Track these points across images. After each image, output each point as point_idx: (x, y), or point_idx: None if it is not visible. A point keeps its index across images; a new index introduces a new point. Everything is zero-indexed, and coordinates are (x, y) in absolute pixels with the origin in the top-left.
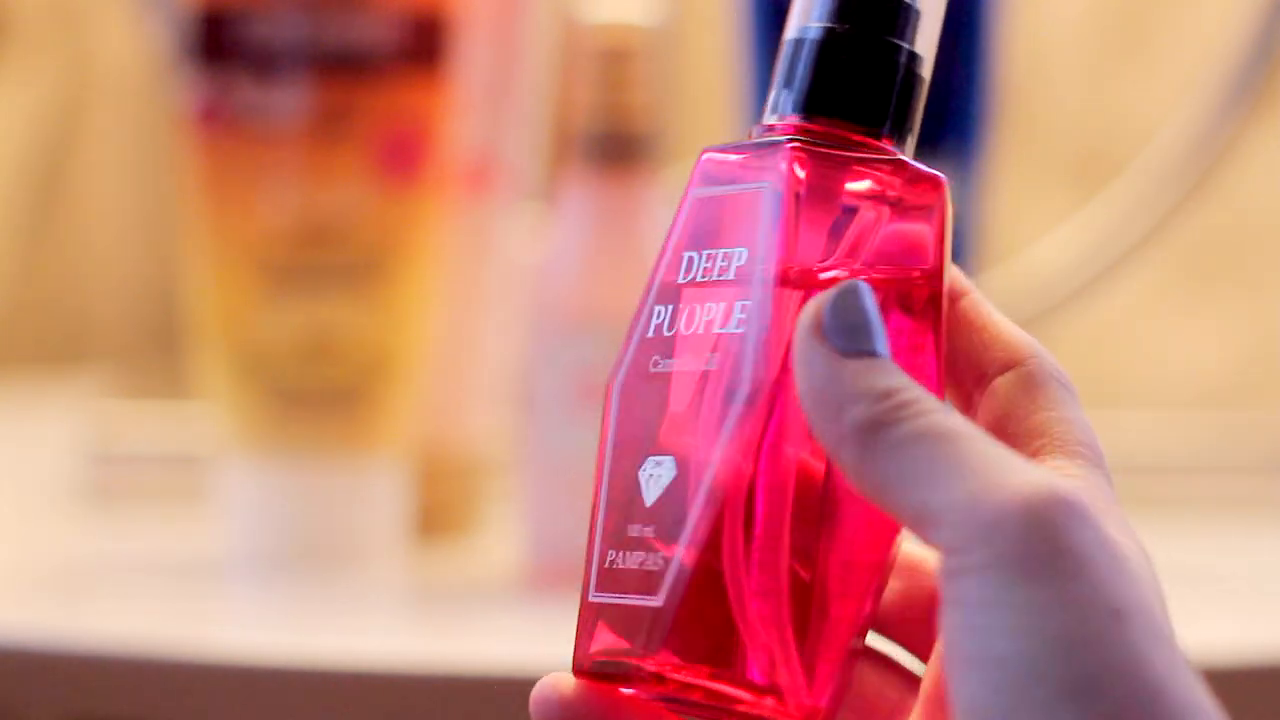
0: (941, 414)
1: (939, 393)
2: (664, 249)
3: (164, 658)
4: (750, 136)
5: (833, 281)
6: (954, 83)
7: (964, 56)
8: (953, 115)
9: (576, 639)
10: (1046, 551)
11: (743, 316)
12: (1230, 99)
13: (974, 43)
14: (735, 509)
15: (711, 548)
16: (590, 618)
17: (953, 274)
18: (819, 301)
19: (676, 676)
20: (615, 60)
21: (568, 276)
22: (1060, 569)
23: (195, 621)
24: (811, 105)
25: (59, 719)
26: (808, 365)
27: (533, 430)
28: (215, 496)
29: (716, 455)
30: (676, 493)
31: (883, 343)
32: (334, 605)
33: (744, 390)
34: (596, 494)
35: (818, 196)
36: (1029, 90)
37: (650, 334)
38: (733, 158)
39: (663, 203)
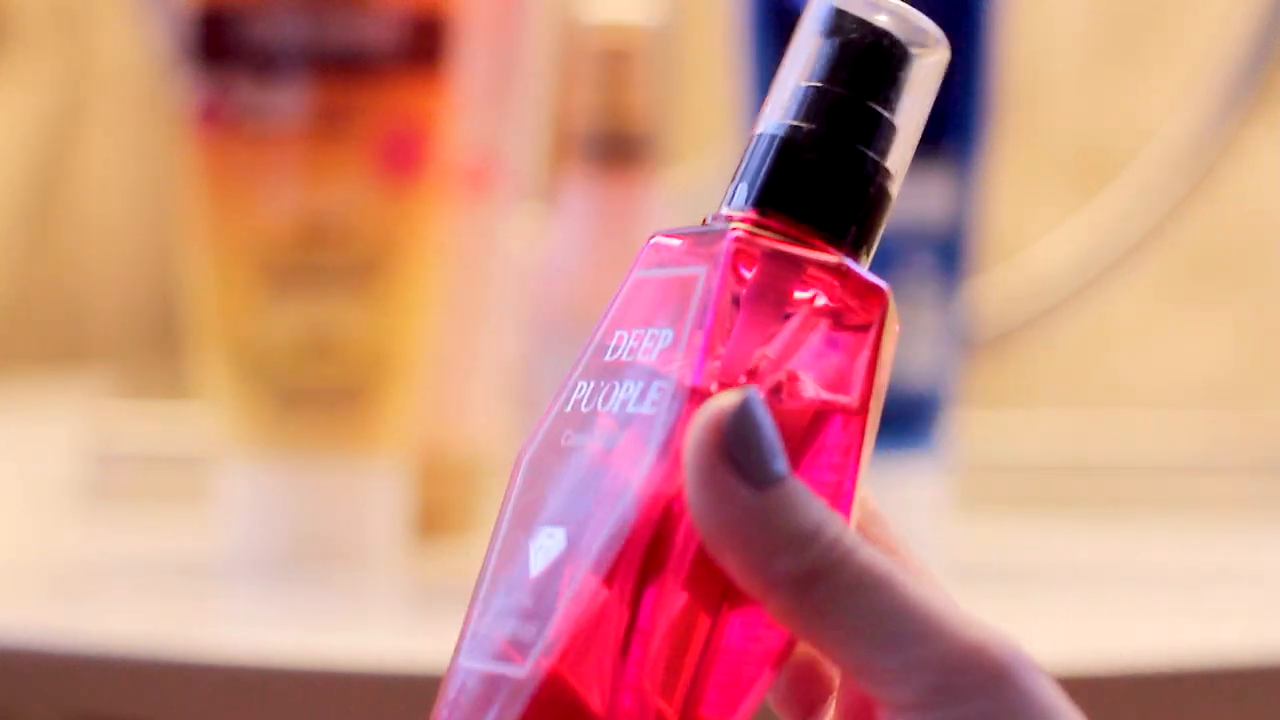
0: (866, 551)
1: (848, 517)
2: (597, 328)
3: (164, 658)
4: (705, 224)
5: (750, 380)
6: (954, 83)
7: (964, 57)
8: (953, 115)
9: (439, 700)
10: (1021, 708)
11: (656, 398)
12: (1230, 99)
13: (974, 43)
14: (606, 611)
15: (582, 637)
16: (453, 681)
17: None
18: (716, 416)
19: None
20: (615, 60)
21: (568, 276)
22: None
23: (195, 621)
24: (766, 199)
25: (59, 719)
26: (716, 496)
27: None
28: (215, 496)
29: (598, 542)
30: (559, 568)
31: (784, 459)
32: (334, 605)
33: (631, 493)
34: (485, 561)
35: (755, 292)
36: (1029, 90)
37: (569, 408)
38: (677, 243)
39: (663, 203)
